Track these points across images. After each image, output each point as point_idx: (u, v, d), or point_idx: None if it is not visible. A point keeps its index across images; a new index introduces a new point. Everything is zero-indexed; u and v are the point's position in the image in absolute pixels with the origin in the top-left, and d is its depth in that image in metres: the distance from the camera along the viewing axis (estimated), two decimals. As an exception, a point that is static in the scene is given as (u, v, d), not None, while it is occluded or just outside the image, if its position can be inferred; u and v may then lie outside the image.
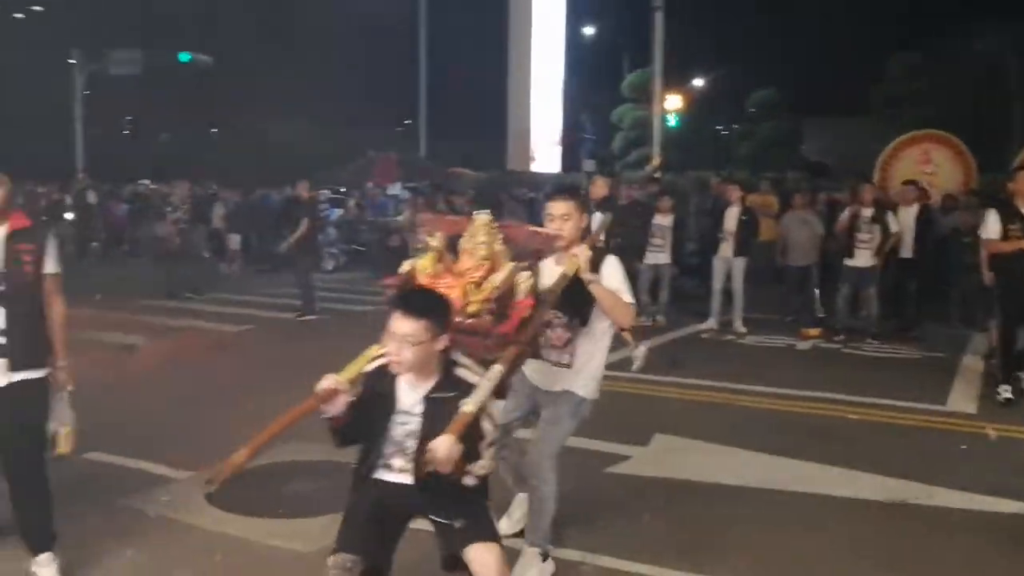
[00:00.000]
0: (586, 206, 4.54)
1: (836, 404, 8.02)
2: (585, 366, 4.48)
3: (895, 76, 29.55)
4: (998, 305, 8.32)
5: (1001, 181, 10.60)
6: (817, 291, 12.58)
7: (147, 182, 24.38)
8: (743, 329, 11.64)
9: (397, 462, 3.39)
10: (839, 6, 36.81)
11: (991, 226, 7.98)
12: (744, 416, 7.67)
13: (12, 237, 4.25)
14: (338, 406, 3.38)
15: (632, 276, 11.68)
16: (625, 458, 6.33)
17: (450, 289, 3.58)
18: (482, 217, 3.80)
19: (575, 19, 37.27)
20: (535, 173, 30.69)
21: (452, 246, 3.89)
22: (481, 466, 3.23)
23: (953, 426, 7.45)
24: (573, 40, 37.52)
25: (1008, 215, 7.91)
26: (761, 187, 14.94)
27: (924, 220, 11.53)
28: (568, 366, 4.38)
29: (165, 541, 4.88)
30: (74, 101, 28.76)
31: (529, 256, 3.89)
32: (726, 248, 11.70)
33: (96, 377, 8.77)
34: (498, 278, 3.63)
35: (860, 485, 5.87)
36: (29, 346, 4.28)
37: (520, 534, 4.62)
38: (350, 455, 6.20)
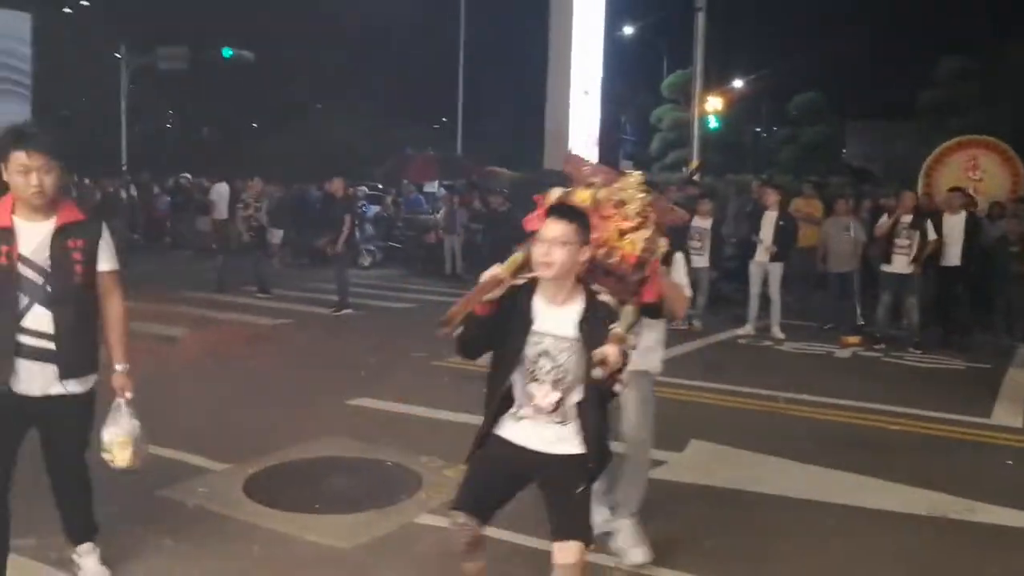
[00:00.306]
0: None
1: (876, 414, 7.89)
2: (649, 347, 4.91)
3: (944, 80, 29.11)
4: None
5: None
6: (858, 298, 12.46)
7: (188, 176, 24.60)
8: (781, 335, 11.54)
9: (525, 411, 3.53)
10: (885, 8, 36.41)
11: None
12: (782, 424, 7.57)
13: (61, 232, 3.87)
14: (495, 294, 3.42)
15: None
16: (661, 463, 6.27)
17: (594, 228, 3.70)
18: (637, 176, 4.11)
19: (616, 19, 37.15)
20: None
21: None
22: (622, 383, 3.36)
23: (998, 440, 7.30)
24: (613, 40, 37.40)
25: None
26: (805, 191, 14.78)
27: (971, 228, 11.33)
28: (634, 347, 4.12)
29: (203, 532, 4.91)
30: (121, 95, 29.13)
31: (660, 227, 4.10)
32: (762, 253, 11.63)
33: (136, 368, 8.90)
34: (644, 235, 3.87)
35: (900, 498, 5.76)
36: (81, 352, 3.94)
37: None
38: (386, 452, 6.27)
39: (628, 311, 3.66)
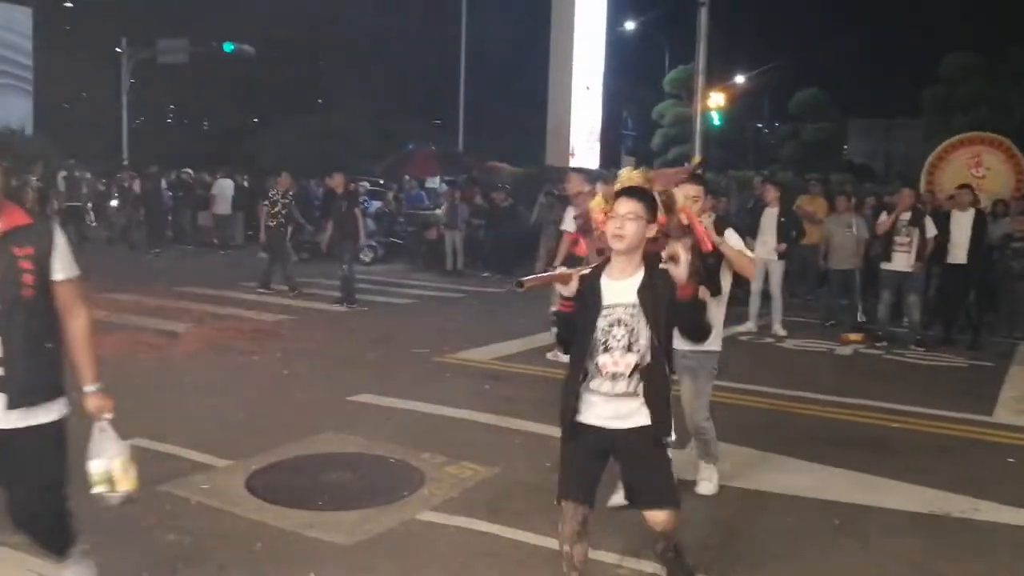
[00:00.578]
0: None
1: (878, 412, 7.88)
2: (714, 326, 5.19)
3: (948, 77, 29.06)
4: None
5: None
6: (859, 296, 12.46)
7: (189, 171, 24.61)
8: (783, 332, 11.54)
9: (597, 382, 3.82)
10: (886, 5, 36.35)
11: None
12: (783, 421, 7.55)
13: (5, 239, 3.31)
14: (572, 288, 3.84)
15: None
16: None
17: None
18: (625, 169, 5.06)
19: (617, 14, 37.11)
20: (574, 168, 30.65)
21: None
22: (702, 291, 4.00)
23: (1000, 438, 7.27)
24: (615, 35, 37.37)
25: None
26: (810, 189, 14.76)
27: (979, 226, 11.22)
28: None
29: (205, 528, 4.91)
30: (121, 89, 29.13)
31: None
32: (763, 249, 11.62)
33: (137, 363, 8.91)
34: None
35: (903, 497, 5.75)
36: (35, 377, 3.38)
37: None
38: (388, 449, 6.27)
39: (684, 243, 4.09)
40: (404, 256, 19.74)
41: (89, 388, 3.53)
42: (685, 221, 4.90)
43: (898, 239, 10.96)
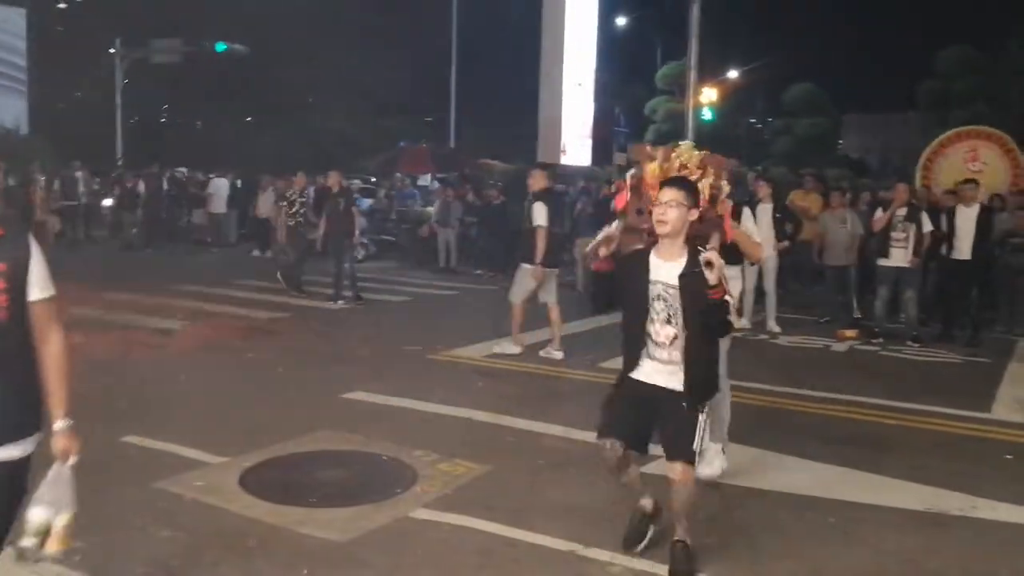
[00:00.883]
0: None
1: (874, 409, 7.86)
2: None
3: (944, 71, 29.06)
4: None
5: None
6: (855, 292, 12.46)
7: (183, 169, 24.57)
8: (777, 329, 11.53)
9: (651, 348, 4.42)
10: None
11: None
12: (777, 418, 7.52)
13: None
14: (608, 249, 4.45)
15: None
16: (656, 458, 6.27)
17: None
18: (688, 143, 5.60)
19: (609, 10, 37.11)
20: (566, 166, 30.65)
21: None
22: (731, 295, 4.39)
23: (997, 435, 7.24)
24: (607, 31, 37.36)
25: None
26: (805, 184, 14.74)
27: (984, 221, 11.10)
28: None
29: (199, 524, 4.91)
30: (116, 89, 29.09)
31: None
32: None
33: (132, 361, 8.91)
34: (708, 181, 5.26)
35: (900, 494, 5.73)
36: (8, 410, 2.98)
37: None
38: (381, 446, 6.26)
39: (715, 237, 5.19)
40: (396, 253, 19.72)
41: (58, 425, 3.08)
42: (719, 210, 5.44)
43: (895, 235, 10.95)
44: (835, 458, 6.40)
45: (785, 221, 11.88)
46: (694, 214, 4.41)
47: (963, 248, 11.06)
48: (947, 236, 11.23)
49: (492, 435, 6.80)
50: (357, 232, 13.60)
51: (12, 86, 30.85)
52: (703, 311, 4.23)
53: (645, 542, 4.74)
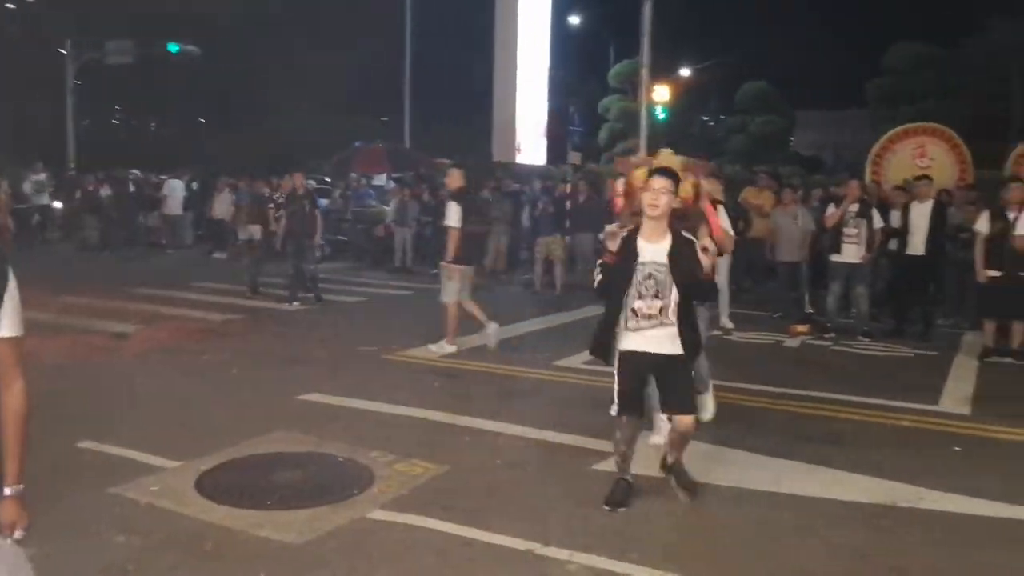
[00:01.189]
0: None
1: (826, 404, 7.96)
2: None
3: (893, 69, 29.48)
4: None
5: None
6: (807, 288, 12.62)
7: (136, 171, 24.28)
8: (730, 325, 11.63)
9: (633, 322, 5.14)
10: (832, -1, 36.79)
11: None
12: (731, 414, 7.52)
13: None
14: (616, 243, 5.19)
15: None
16: (612, 455, 6.33)
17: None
18: (667, 151, 6.37)
19: (562, 8, 37.20)
20: (521, 165, 30.71)
21: None
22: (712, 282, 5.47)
23: (946, 427, 7.36)
24: (560, 30, 37.46)
25: None
26: (759, 182, 14.90)
27: (938, 217, 11.27)
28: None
29: (155, 529, 4.87)
30: (67, 91, 28.66)
31: None
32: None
33: (86, 365, 8.81)
34: (692, 181, 5.95)
35: (851, 487, 5.80)
36: None
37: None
38: (337, 447, 6.26)
39: (703, 232, 5.81)
40: (352, 254, 19.65)
41: (9, 491, 2.58)
42: (703, 207, 6.16)
43: (847, 231, 11.08)
44: (787, 453, 6.47)
45: (738, 218, 12.00)
46: (676, 200, 5.19)
47: (917, 243, 11.23)
48: (901, 232, 11.42)
49: (449, 435, 6.81)
50: (318, 234, 13.52)
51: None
52: (692, 284, 5.08)
53: (626, 507, 5.32)
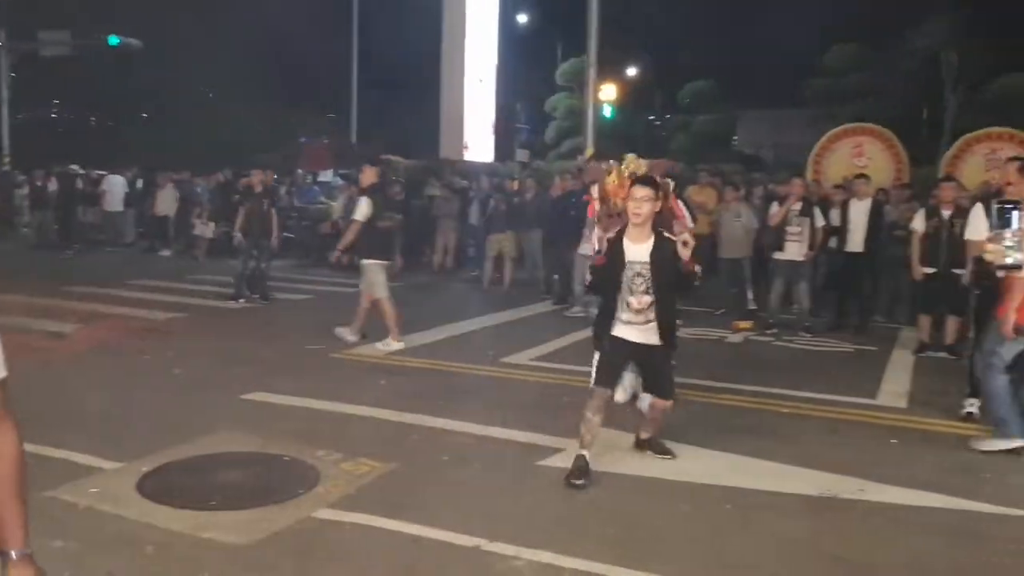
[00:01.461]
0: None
1: (768, 398, 8.08)
2: None
3: (831, 69, 29.93)
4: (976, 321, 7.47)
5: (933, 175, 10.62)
6: (750, 284, 12.76)
7: (76, 167, 23.81)
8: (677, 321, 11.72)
9: (627, 315, 5.74)
10: (774, -2, 37.23)
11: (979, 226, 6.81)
12: (676, 409, 7.66)
13: None
14: (604, 246, 5.81)
15: (567, 266, 12.16)
16: (558, 451, 6.35)
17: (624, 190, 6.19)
18: (631, 156, 6.84)
19: (510, 6, 37.18)
20: (468, 162, 30.68)
21: None
22: (699, 267, 5.93)
23: (884, 420, 7.51)
24: (508, 27, 37.45)
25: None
26: (701, 179, 15.04)
27: (875, 214, 11.54)
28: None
29: (95, 532, 4.78)
30: (1, 82, 28.05)
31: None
32: None
33: (23, 366, 8.60)
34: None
35: (793, 480, 5.90)
36: None
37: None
38: (282, 447, 6.20)
39: (676, 228, 6.36)
40: (297, 251, 19.46)
41: (17, 552, 2.14)
42: (670, 203, 6.68)
43: (790, 229, 11.24)
44: (731, 446, 6.56)
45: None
46: (658, 205, 5.72)
47: (856, 241, 11.46)
48: (841, 229, 11.62)
49: (396, 433, 6.79)
50: (275, 233, 13.35)
51: None
52: (673, 280, 5.68)
53: (585, 480, 5.65)
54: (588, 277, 6.01)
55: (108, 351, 9.51)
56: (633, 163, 6.67)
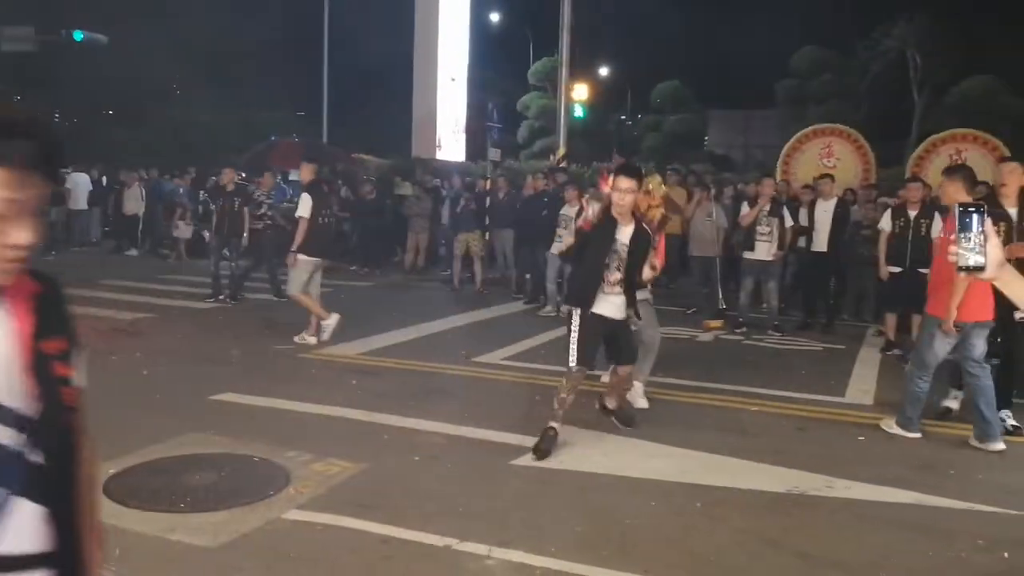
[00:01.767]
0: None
1: (738, 396, 8.14)
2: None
3: (800, 71, 30.21)
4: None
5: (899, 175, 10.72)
6: (720, 283, 12.82)
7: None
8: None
9: (608, 287, 6.32)
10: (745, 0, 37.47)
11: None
12: (647, 407, 7.75)
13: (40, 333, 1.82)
14: (595, 215, 6.42)
15: (539, 265, 12.19)
16: (529, 450, 6.37)
17: (639, 201, 6.70)
18: (657, 177, 7.67)
19: (482, 5, 37.17)
20: (441, 160, 30.62)
21: None
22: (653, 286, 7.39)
23: (851, 418, 7.59)
24: (480, 26, 37.44)
25: (995, 218, 6.63)
26: (669, 179, 15.09)
27: (840, 214, 11.68)
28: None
29: (60, 537, 4.73)
30: None
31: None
32: None
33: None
34: (661, 211, 7.22)
35: (762, 477, 5.95)
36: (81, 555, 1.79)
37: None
38: (252, 448, 6.16)
39: (651, 254, 6.68)
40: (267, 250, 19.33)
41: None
42: (660, 234, 7.18)
43: (760, 229, 11.33)
44: (701, 444, 6.61)
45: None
46: (637, 197, 6.33)
47: (821, 240, 11.59)
48: (808, 229, 11.73)
49: (366, 433, 6.77)
50: (245, 233, 13.27)
51: None
52: (640, 267, 6.33)
53: (550, 456, 6.10)
54: (568, 241, 6.68)
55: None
56: (655, 184, 7.33)
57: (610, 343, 6.54)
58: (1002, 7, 28.74)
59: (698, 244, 12.65)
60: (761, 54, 33.61)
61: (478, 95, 36.21)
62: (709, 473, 6.01)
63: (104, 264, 17.49)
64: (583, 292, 6.40)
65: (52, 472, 1.70)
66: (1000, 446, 6.70)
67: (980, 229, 1.97)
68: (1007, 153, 14.32)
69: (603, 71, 36.53)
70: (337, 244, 17.99)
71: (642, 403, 7.61)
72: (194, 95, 37.21)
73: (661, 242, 7.32)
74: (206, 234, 13.32)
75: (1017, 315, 6.98)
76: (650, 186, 7.13)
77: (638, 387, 7.62)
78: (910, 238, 9.81)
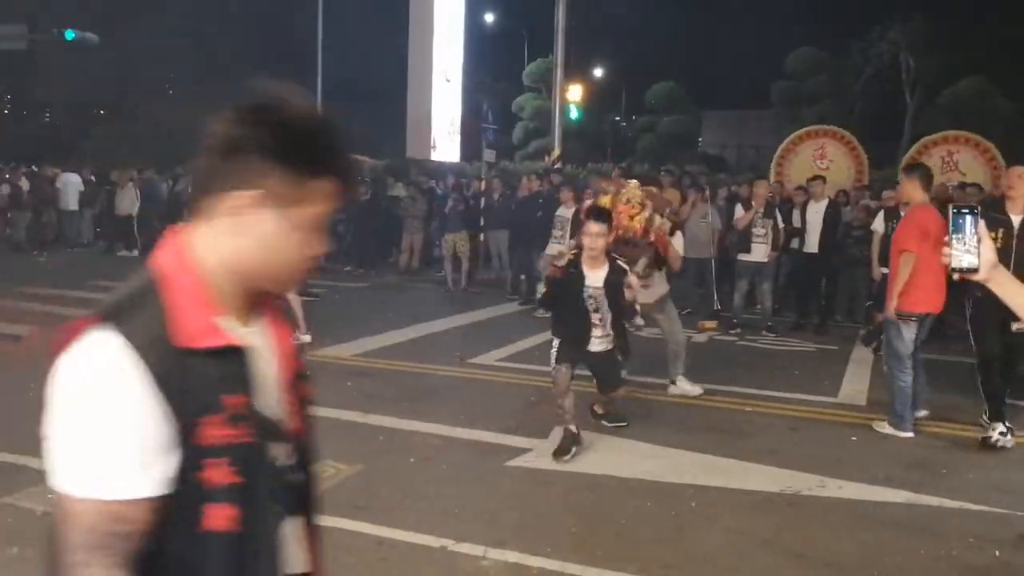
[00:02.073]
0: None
1: (732, 397, 8.17)
2: (661, 284, 7.92)
3: (794, 72, 30.26)
4: (973, 333, 7.13)
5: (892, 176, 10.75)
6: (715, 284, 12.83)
7: (31, 165, 23.48)
8: (640, 322, 11.71)
9: (595, 332, 6.34)
10: (739, 1, 37.54)
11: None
12: (641, 409, 7.69)
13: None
14: (562, 262, 6.41)
15: (533, 266, 12.15)
16: (525, 451, 6.37)
17: (619, 215, 6.91)
18: (634, 182, 7.54)
19: (477, 6, 37.17)
20: (435, 161, 30.61)
21: None
22: (637, 312, 6.81)
23: (844, 418, 7.63)
24: (475, 27, 37.43)
25: (993, 222, 6.32)
26: (663, 181, 15.08)
27: (832, 216, 11.72)
28: (647, 287, 7.44)
29: (53, 538, 4.72)
30: None
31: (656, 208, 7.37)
32: None
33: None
34: (644, 216, 7.11)
35: (755, 477, 5.98)
36: None
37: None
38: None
39: (642, 263, 7.17)
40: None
41: None
42: (652, 238, 7.29)
43: (755, 231, 11.35)
44: (695, 445, 6.64)
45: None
46: (611, 237, 6.37)
47: (812, 242, 11.63)
48: (801, 231, 11.76)
49: (362, 435, 6.77)
50: None
51: None
52: (618, 309, 6.27)
53: (571, 455, 6.19)
54: (543, 288, 6.65)
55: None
56: (633, 191, 7.24)
57: (594, 371, 6.58)
58: (995, 10, 28.86)
59: (693, 246, 12.62)
60: (757, 55, 33.68)
61: (473, 96, 36.23)
62: (703, 473, 6.03)
63: (95, 265, 17.41)
64: (569, 335, 6.38)
65: (308, 491, 1.79)
66: (909, 433, 6.99)
67: (974, 231, 1.97)
68: (998, 155, 14.38)
69: (598, 72, 36.55)
70: (331, 244, 18.01)
71: (695, 390, 8.12)
72: (186, 96, 37.16)
73: (662, 241, 7.34)
74: None
75: (1015, 326, 6.67)
76: (626, 197, 7.17)
77: (682, 381, 8.15)
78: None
